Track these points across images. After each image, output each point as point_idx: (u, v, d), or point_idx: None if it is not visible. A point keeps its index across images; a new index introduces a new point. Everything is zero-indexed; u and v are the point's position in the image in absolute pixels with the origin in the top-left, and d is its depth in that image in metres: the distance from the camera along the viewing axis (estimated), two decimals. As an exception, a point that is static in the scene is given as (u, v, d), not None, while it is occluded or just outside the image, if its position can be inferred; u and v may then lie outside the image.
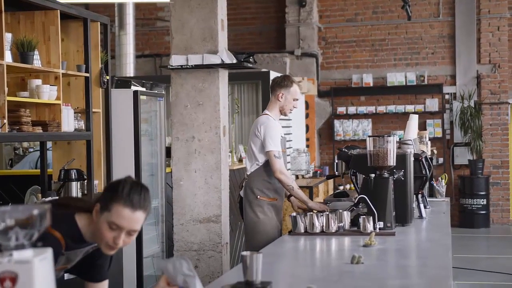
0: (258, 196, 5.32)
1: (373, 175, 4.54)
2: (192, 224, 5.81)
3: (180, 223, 5.83)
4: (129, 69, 11.40)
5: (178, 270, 2.53)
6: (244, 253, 2.80)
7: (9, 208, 1.82)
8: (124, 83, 6.82)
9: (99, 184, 6.10)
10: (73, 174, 5.68)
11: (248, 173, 5.40)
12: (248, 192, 5.38)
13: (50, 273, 1.83)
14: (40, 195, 5.71)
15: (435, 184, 6.61)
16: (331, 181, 11.37)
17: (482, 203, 12.61)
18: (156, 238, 7.10)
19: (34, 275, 1.76)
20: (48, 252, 1.83)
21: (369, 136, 4.61)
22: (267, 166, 5.30)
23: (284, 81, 5.44)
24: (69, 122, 5.53)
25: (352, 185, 5.43)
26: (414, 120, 5.77)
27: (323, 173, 11.32)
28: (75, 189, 5.67)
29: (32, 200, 5.84)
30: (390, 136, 4.57)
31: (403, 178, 4.69)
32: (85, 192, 5.84)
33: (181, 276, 2.53)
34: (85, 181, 5.83)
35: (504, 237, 12.12)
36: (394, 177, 4.61)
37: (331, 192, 10.74)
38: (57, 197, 5.16)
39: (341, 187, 10.64)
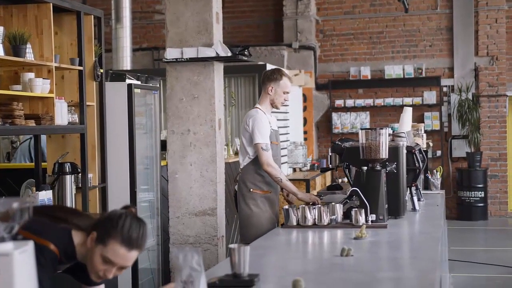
0: (251, 189, 5.35)
1: (365, 167, 4.55)
2: (188, 217, 5.82)
3: (176, 216, 5.84)
4: (126, 63, 11.38)
5: (187, 262, 2.53)
6: (231, 246, 2.81)
7: (-11, 202, 1.82)
8: (119, 76, 6.81)
9: (93, 178, 6.10)
10: (67, 167, 5.67)
11: (241, 167, 5.44)
12: (241, 186, 5.42)
13: (31, 266, 1.84)
14: (34, 188, 5.71)
15: (430, 177, 6.60)
16: (328, 174, 11.38)
17: (480, 196, 12.62)
18: (151, 231, 7.11)
19: (14, 267, 1.76)
20: (29, 245, 1.83)
21: (361, 129, 4.61)
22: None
23: (274, 75, 5.45)
24: (62, 115, 5.52)
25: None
26: (407, 113, 5.78)
27: (321, 166, 11.32)
28: (69, 183, 5.67)
29: (28, 193, 5.84)
30: (382, 129, 4.57)
31: (395, 171, 4.70)
32: (79, 185, 5.84)
33: (188, 269, 2.53)
34: (79, 174, 5.83)
35: (502, 229, 12.12)
36: (386, 170, 4.62)
37: (328, 185, 10.74)
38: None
39: (340, 180, 10.64)
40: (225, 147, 8.22)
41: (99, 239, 2.70)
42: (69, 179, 5.68)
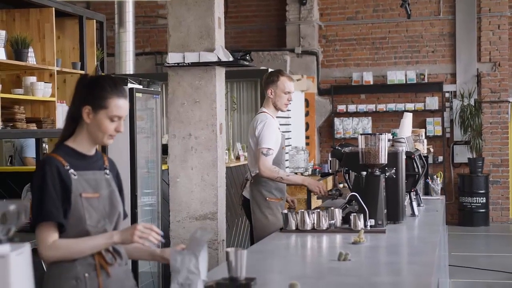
0: (267, 198, 5.34)
1: (364, 173, 4.55)
2: (189, 221, 5.82)
3: (177, 220, 5.85)
4: (129, 67, 11.41)
5: (185, 264, 2.55)
6: (228, 249, 2.82)
7: (-14, 204, 1.84)
8: (121, 80, 6.81)
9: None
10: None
11: (253, 174, 5.41)
12: (256, 194, 5.39)
13: (27, 268, 1.86)
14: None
15: (430, 182, 6.61)
16: (330, 179, 11.38)
17: (481, 202, 12.62)
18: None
19: (10, 269, 1.78)
20: (26, 247, 1.85)
21: (360, 134, 4.62)
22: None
23: (270, 77, 5.48)
24: (64, 119, 5.55)
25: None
26: (407, 119, 5.79)
27: (323, 171, 11.31)
28: (70, 186, 5.68)
29: (29, 196, 5.85)
30: (381, 134, 4.58)
31: (394, 176, 4.71)
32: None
33: (185, 272, 2.55)
34: (81, 178, 5.84)
35: (503, 235, 12.13)
36: (385, 175, 4.63)
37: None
38: None
39: (341, 185, 10.63)
40: (226, 151, 8.25)
41: (96, 108, 2.92)
42: (70, 183, 5.68)
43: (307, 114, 12.82)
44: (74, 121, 2.98)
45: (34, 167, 6.06)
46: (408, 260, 3.76)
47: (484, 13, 13.02)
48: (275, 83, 5.43)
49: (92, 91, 2.95)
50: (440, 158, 13.00)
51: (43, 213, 2.83)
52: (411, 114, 5.96)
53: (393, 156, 4.72)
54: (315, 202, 9.20)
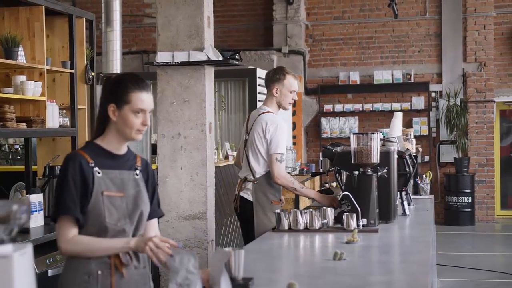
0: (272, 201, 5.24)
1: (356, 172, 4.56)
2: (178, 221, 5.81)
3: (166, 220, 5.83)
4: (116, 66, 11.32)
5: (184, 264, 2.54)
6: (226, 249, 2.82)
7: (-12, 204, 1.83)
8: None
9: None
10: (58, 170, 5.66)
11: (257, 176, 5.26)
12: (260, 196, 5.25)
13: (30, 268, 1.84)
14: (24, 191, 5.69)
15: (419, 182, 6.63)
16: (317, 179, 11.40)
17: (467, 201, 12.69)
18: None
19: (13, 270, 1.77)
20: (28, 248, 1.83)
21: (353, 134, 4.62)
22: None
23: (276, 75, 5.30)
24: (53, 118, 5.52)
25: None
26: (398, 118, 5.81)
27: (310, 170, 11.32)
28: (60, 186, 5.65)
29: (17, 196, 5.82)
30: (374, 133, 4.59)
31: (386, 176, 4.71)
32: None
33: (184, 272, 2.53)
34: (70, 177, 5.81)
35: (489, 234, 12.20)
36: (377, 175, 4.63)
37: (317, 189, 10.72)
38: None
39: (327, 184, 10.64)
40: (215, 151, 8.23)
41: (120, 104, 2.98)
42: (59, 182, 5.65)
43: (294, 113, 12.84)
44: (102, 122, 3.03)
45: (23, 167, 6.03)
46: (403, 259, 3.77)
47: (470, 13, 13.09)
48: (281, 81, 5.26)
49: (115, 90, 3.01)
50: (427, 158, 13.06)
51: (60, 207, 2.90)
52: (401, 113, 5.97)
53: (385, 155, 4.73)
54: (303, 202, 9.22)
